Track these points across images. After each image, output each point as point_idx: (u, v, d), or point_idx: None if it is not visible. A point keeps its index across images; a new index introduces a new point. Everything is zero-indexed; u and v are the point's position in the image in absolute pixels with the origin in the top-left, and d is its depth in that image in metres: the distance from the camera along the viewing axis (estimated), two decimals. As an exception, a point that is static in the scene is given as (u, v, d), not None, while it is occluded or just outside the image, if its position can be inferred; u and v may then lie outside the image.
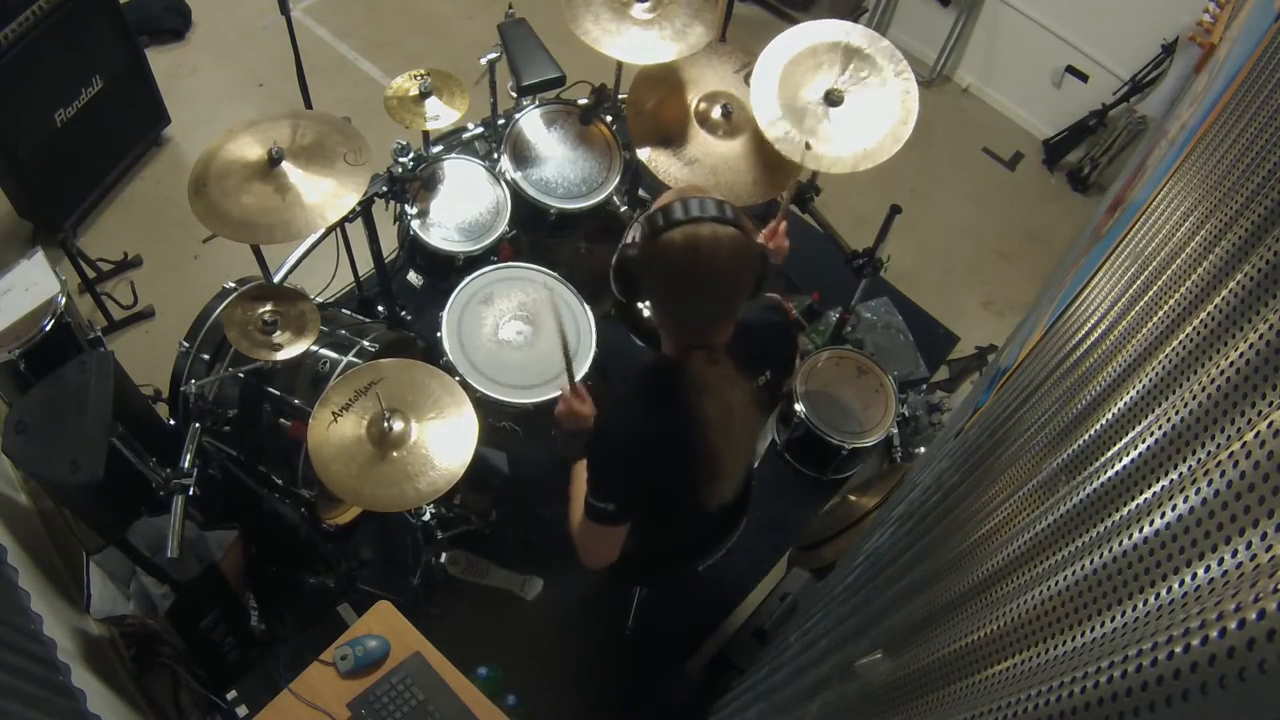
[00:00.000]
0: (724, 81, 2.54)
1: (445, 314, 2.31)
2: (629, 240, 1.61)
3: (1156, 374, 0.74)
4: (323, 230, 2.33)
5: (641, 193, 2.98)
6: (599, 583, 1.94)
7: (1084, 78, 3.76)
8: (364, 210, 2.37)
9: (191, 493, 1.97)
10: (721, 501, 1.48)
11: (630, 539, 1.60)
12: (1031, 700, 0.58)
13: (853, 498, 2.50)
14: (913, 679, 0.91)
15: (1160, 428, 0.65)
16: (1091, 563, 0.63)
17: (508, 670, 2.38)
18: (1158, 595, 0.53)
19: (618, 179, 2.65)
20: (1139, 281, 1.07)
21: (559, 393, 1.72)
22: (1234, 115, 1.12)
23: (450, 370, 2.21)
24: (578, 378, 2.24)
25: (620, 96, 2.73)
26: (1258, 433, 0.50)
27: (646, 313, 2.11)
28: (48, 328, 2.20)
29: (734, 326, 1.49)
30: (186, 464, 2.00)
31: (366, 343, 2.29)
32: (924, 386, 3.14)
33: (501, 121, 2.73)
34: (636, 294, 1.47)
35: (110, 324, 3.00)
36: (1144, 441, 0.66)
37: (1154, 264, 1.04)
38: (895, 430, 2.87)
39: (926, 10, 4.07)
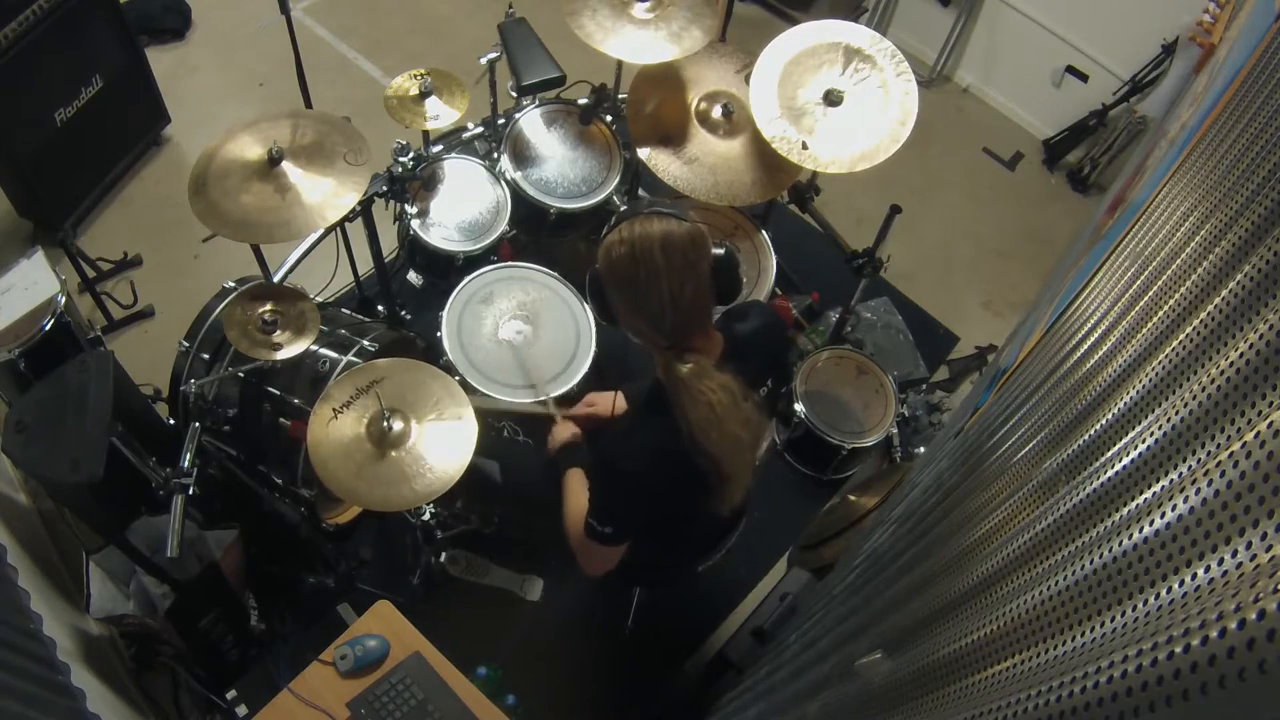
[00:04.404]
0: (724, 81, 2.54)
1: (445, 314, 2.31)
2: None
3: (1156, 374, 0.74)
4: (323, 230, 2.33)
5: (641, 192, 2.98)
6: (599, 583, 1.95)
7: (1084, 78, 3.76)
8: (364, 210, 2.37)
9: (191, 492, 1.97)
10: (733, 505, 1.48)
11: (631, 551, 1.61)
12: (1031, 700, 0.58)
13: (852, 498, 2.49)
14: (913, 679, 0.91)
15: (1160, 428, 0.65)
16: (1091, 563, 0.63)
17: (508, 670, 2.38)
18: (1158, 595, 0.53)
19: (618, 179, 2.65)
20: (1139, 282, 1.07)
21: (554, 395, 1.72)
22: (1234, 115, 1.12)
23: (450, 370, 2.21)
24: (576, 379, 2.26)
25: (620, 96, 2.73)
26: (1258, 433, 0.50)
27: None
28: (48, 327, 2.19)
29: (719, 336, 1.49)
30: (186, 464, 2.00)
31: (366, 342, 2.29)
32: (924, 386, 3.14)
33: (501, 121, 2.73)
34: (608, 309, 1.47)
35: (110, 324, 3.00)
36: (1144, 442, 0.66)
37: (1154, 264, 1.04)
38: (895, 430, 2.87)
39: (926, 10, 4.07)
